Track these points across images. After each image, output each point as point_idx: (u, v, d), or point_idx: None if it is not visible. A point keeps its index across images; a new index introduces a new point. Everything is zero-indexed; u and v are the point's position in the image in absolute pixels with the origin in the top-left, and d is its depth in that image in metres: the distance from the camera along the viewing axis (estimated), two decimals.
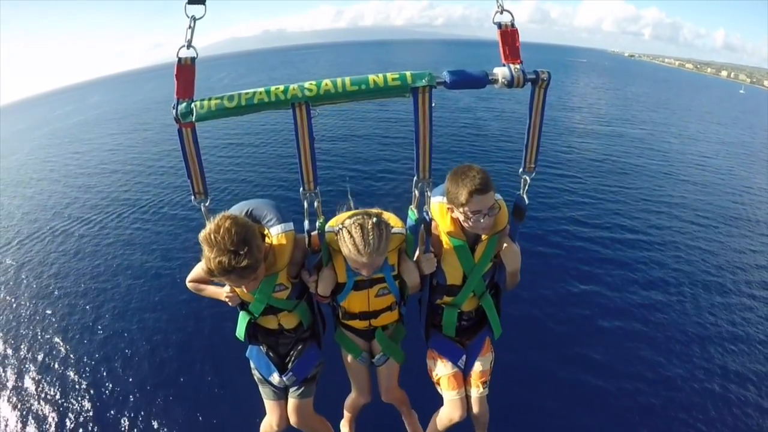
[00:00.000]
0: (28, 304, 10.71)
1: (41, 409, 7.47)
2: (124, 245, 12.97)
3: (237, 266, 2.00)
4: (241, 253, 1.99)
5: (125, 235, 13.60)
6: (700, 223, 13.57)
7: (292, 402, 2.81)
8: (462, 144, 21.19)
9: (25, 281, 11.70)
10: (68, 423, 7.19)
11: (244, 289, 2.29)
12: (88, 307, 10.33)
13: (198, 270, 2.52)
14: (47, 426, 7.17)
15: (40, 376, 8.25)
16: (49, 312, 10.25)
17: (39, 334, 9.52)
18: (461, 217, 2.37)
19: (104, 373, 8.15)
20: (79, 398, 7.61)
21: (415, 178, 2.23)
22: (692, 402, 7.32)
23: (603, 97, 43.00)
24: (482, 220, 2.29)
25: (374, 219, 2.24)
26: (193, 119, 2.01)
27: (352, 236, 2.21)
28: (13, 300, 10.91)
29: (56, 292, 10.95)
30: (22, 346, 9.18)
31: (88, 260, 12.37)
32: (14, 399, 7.76)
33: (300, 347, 2.80)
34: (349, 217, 2.29)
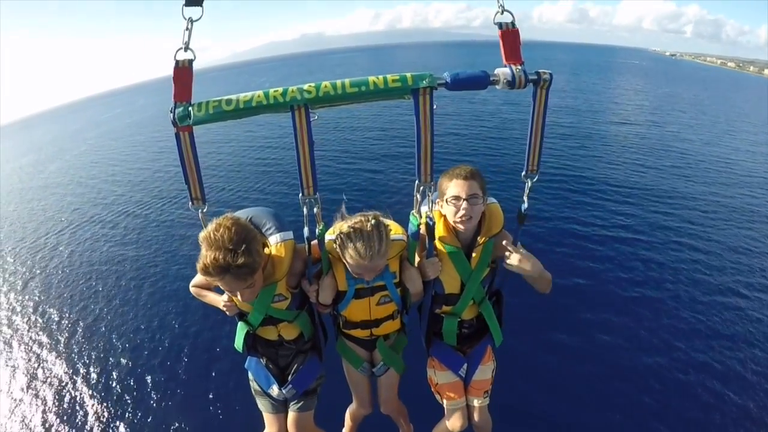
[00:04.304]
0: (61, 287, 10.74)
1: (39, 406, 7.20)
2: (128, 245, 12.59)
3: (233, 264, 1.94)
4: (239, 251, 1.94)
5: (142, 236, 13.29)
6: (710, 225, 11.98)
7: (291, 415, 2.73)
8: (468, 148, 20.02)
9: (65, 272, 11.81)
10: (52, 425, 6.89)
11: (239, 297, 2.21)
12: (85, 292, 10.14)
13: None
14: (45, 422, 6.97)
15: (41, 365, 8.03)
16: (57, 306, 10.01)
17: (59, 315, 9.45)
18: (449, 215, 2.35)
19: (89, 380, 7.57)
20: (63, 403, 7.17)
21: (416, 181, 2.15)
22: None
23: (633, 99, 40.69)
24: (463, 208, 2.25)
25: (372, 221, 2.20)
26: (191, 123, 1.97)
27: (351, 240, 2.17)
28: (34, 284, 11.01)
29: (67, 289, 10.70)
30: (38, 331, 9.05)
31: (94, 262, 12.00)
32: (20, 392, 7.52)
33: (300, 359, 2.73)
34: (347, 223, 2.25)
